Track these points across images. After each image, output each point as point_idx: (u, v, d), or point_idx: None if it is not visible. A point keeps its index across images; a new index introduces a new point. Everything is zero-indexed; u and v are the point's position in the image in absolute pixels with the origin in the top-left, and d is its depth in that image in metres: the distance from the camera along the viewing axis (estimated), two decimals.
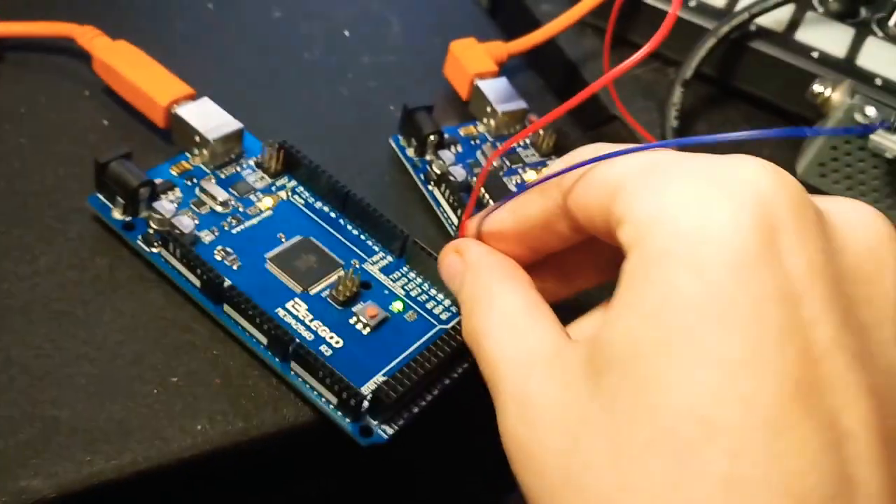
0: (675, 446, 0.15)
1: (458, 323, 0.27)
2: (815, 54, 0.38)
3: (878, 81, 0.38)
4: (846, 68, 0.38)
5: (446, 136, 0.35)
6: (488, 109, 0.37)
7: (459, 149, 0.36)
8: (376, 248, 0.31)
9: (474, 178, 0.34)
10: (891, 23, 0.40)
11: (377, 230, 0.31)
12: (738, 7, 0.39)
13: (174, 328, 0.28)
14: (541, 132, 0.36)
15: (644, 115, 0.35)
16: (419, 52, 0.41)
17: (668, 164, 0.19)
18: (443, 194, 0.33)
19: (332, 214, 0.32)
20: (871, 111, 0.33)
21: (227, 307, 0.27)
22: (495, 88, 0.37)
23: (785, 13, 0.39)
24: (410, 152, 0.35)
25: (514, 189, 0.34)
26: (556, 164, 0.23)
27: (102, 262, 0.29)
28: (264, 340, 0.26)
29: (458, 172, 0.34)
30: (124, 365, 0.26)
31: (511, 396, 0.20)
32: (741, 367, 0.15)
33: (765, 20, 0.39)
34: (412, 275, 0.30)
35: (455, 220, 0.33)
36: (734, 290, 0.15)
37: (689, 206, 0.17)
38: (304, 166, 0.32)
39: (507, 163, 0.36)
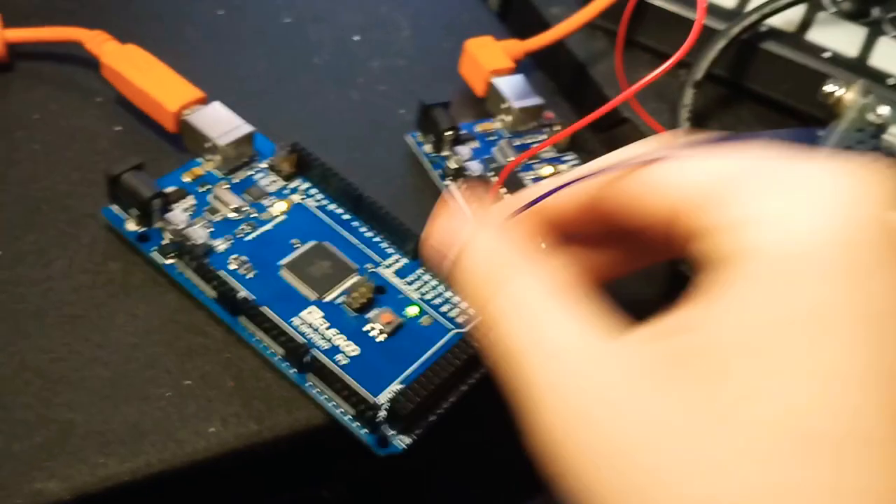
0: (778, 456, 0.14)
1: (475, 326, 0.27)
2: (826, 54, 0.38)
3: (891, 80, 0.37)
4: (858, 68, 0.38)
5: (462, 132, 0.36)
6: (504, 106, 0.37)
7: (476, 145, 0.36)
8: (391, 251, 0.31)
9: (491, 174, 0.34)
10: None
11: (391, 232, 0.31)
12: (749, 7, 0.39)
13: (188, 331, 0.28)
14: (557, 129, 0.37)
15: (656, 117, 0.35)
16: (430, 55, 0.41)
17: (760, 172, 0.18)
18: (459, 189, 0.33)
19: (346, 217, 0.31)
20: (884, 110, 0.33)
21: (242, 318, 0.27)
22: (511, 85, 0.37)
23: (796, 13, 0.39)
24: (427, 149, 0.35)
25: (529, 185, 0.35)
26: (605, 160, 0.22)
27: (116, 267, 0.29)
28: (280, 352, 0.26)
29: (475, 167, 0.34)
30: (138, 368, 0.26)
31: (551, 389, 0.17)
32: (850, 380, 0.15)
33: (776, 21, 0.38)
34: (427, 277, 0.30)
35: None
36: (844, 303, 0.15)
37: (795, 218, 0.16)
38: (317, 167, 0.32)
39: (525, 159, 0.36)
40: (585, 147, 0.37)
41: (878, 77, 0.37)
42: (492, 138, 0.36)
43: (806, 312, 0.15)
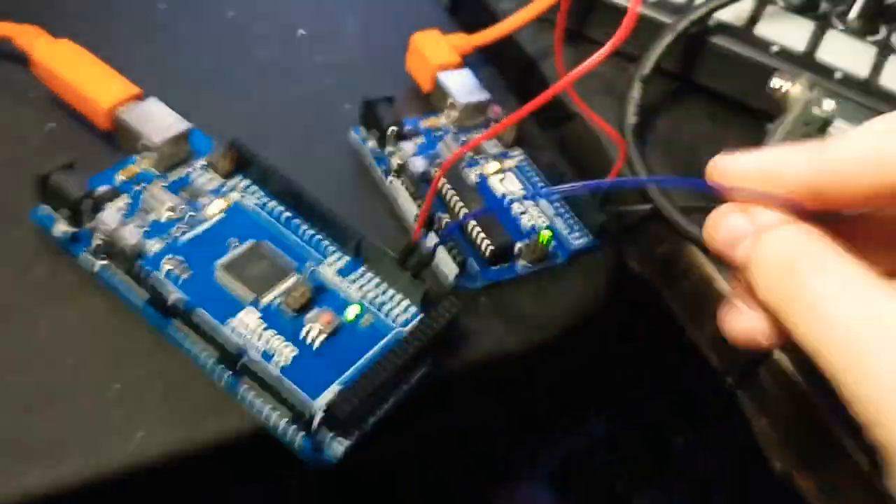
0: None
1: (417, 325, 0.27)
2: (775, 48, 0.38)
3: (839, 75, 0.37)
4: (806, 62, 0.38)
5: (407, 128, 0.35)
6: (449, 101, 0.36)
7: (421, 141, 0.35)
8: (332, 249, 0.30)
9: (435, 170, 0.33)
10: (850, 16, 0.40)
11: (333, 230, 0.30)
12: (698, 1, 0.38)
13: (117, 335, 0.27)
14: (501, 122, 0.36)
15: (604, 112, 0.35)
16: (376, 50, 0.40)
17: None
18: (402, 185, 0.33)
19: (286, 215, 0.31)
20: (829, 105, 0.33)
21: (174, 322, 0.26)
22: (457, 80, 0.37)
23: (745, 7, 0.39)
24: (371, 144, 0.35)
25: (474, 181, 0.34)
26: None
27: (44, 269, 0.28)
28: (213, 356, 0.25)
29: (419, 164, 0.33)
30: (63, 373, 0.25)
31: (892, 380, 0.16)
32: None
33: (724, 14, 0.38)
34: (369, 275, 0.29)
35: (415, 212, 0.32)
36: None
37: None
38: (257, 165, 0.31)
39: (470, 153, 0.35)
40: (532, 143, 0.36)
41: (825, 71, 0.37)
42: (437, 134, 0.36)
43: None
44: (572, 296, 0.32)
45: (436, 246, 0.29)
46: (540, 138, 0.38)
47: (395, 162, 0.33)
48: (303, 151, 0.34)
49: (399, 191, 0.33)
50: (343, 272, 0.29)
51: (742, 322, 0.21)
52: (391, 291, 0.29)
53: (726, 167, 0.21)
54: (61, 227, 0.28)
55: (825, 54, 0.38)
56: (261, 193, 0.31)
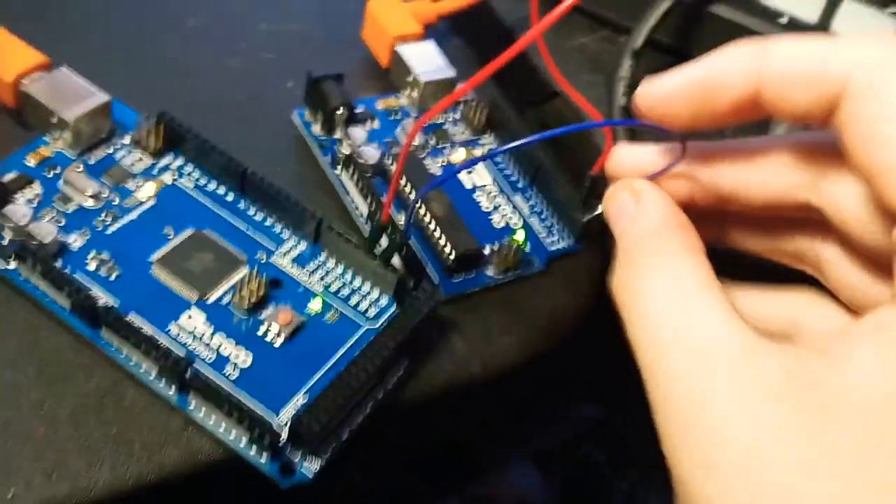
0: None
1: (390, 320, 0.23)
2: (783, 20, 0.34)
3: None
4: (819, 34, 0.34)
5: (360, 109, 0.30)
6: (409, 79, 0.31)
7: (376, 125, 0.31)
8: (285, 235, 0.26)
9: (391, 160, 0.29)
10: None
11: (285, 212, 0.26)
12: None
13: (38, 351, 0.22)
14: (473, 105, 0.31)
15: (591, 91, 0.31)
16: (329, 18, 0.36)
17: None
18: (351, 179, 0.28)
19: (229, 197, 0.27)
20: None
21: (105, 331, 0.22)
22: (419, 54, 0.32)
23: None
24: (316, 129, 0.30)
25: (438, 173, 0.30)
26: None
27: None
28: (154, 369, 0.21)
29: (371, 154, 0.28)
30: None
31: (685, 394, 0.16)
32: None
33: None
34: (331, 264, 0.26)
35: (365, 211, 0.27)
36: None
37: None
38: (191, 140, 0.27)
39: (433, 141, 0.31)
40: (506, 126, 0.32)
41: None
42: (395, 117, 0.31)
43: None
44: (550, 306, 0.28)
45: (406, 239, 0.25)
46: (515, 122, 0.33)
47: (343, 151, 0.29)
48: (238, 133, 0.29)
49: (348, 185, 0.28)
50: (301, 261, 0.25)
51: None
52: (358, 281, 0.25)
53: (650, 92, 0.18)
54: None
55: (841, 26, 0.34)
56: (198, 174, 0.27)
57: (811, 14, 0.34)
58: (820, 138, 0.18)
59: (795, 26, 0.34)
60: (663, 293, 0.17)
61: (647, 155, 0.20)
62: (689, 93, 0.18)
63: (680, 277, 0.17)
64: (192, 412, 0.21)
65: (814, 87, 0.16)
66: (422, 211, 0.27)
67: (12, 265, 0.23)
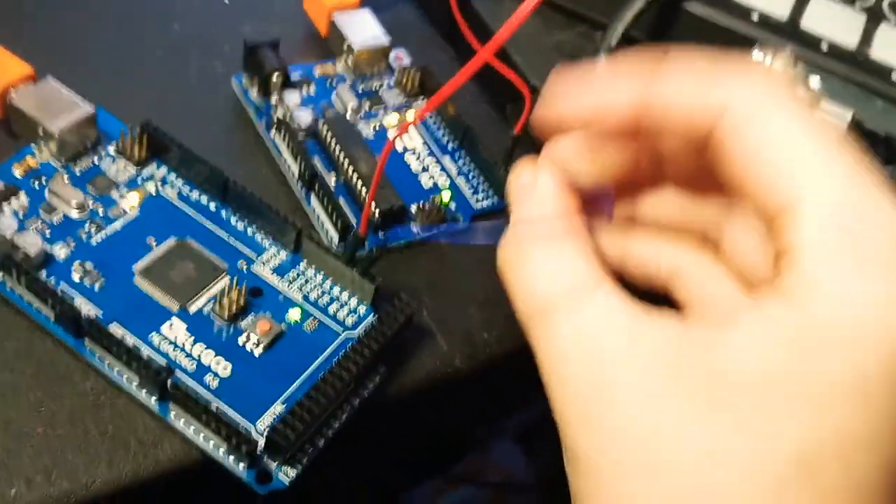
0: (776, 477, 0.15)
1: (369, 327, 0.24)
2: (755, 16, 0.35)
3: (824, 46, 0.34)
4: (790, 31, 0.34)
5: (296, 74, 0.32)
6: (346, 46, 0.33)
7: (312, 91, 0.32)
8: (266, 244, 0.27)
9: (322, 122, 0.30)
10: None
11: (266, 222, 0.27)
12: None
13: (23, 360, 0.23)
14: (406, 70, 0.33)
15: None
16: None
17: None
18: (284, 140, 0.29)
19: (212, 207, 0.27)
20: (814, 82, 0.30)
21: (88, 341, 0.23)
22: (354, 22, 0.33)
23: None
24: (253, 94, 0.31)
25: (370, 136, 0.31)
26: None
27: None
28: (135, 378, 0.22)
29: (304, 117, 0.30)
30: None
31: (578, 367, 0.17)
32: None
33: None
34: (311, 272, 0.26)
35: (296, 171, 0.29)
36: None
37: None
38: (175, 150, 0.27)
39: (367, 106, 0.32)
40: (437, 91, 0.33)
41: (810, 42, 0.34)
42: (331, 84, 0.32)
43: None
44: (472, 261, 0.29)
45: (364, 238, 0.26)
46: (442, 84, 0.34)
47: (276, 116, 0.30)
48: (223, 137, 0.31)
49: (281, 146, 0.30)
50: (280, 270, 0.26)
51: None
52: (337, 290, 0.26)
53: (544, 118, 0.19)
54: None
55: (810, 22, 0.35)
56: (181, 183, 0.27)
57: (782, 11, 0.35)
58: None
59: (766, 23, 0.35)
60: (548, 272, 0.18)
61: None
62: (579, 121, 0.19)
63: (564, 259, 0.18)
64: (172, 420, 0.22)
65: (694, 116, 0.17)
66: (351, 170, 0.29)
67: None
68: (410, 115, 0.32)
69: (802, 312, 0.15)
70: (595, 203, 0.20)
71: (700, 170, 0.18)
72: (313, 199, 0.28)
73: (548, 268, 0.18)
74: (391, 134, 0.31)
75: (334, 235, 0.27)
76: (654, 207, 0.21)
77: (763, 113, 0.16)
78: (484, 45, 0.21)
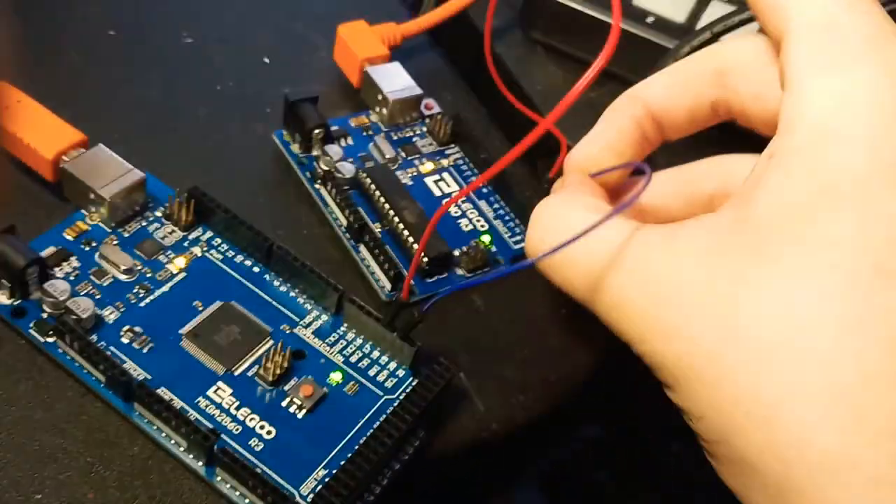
0: (856, 289, 0.15)
1: (410, 392, 0.24)
2: (650, 19, 0.35)
3: None
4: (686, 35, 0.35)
5: (335, 128, 0.33)
6: (379, 97, 0.34)
7: (350, 141, 0.33)
8: (308, 307, 0.27)
9: (364, 173, 0.31)
10: None
11: (308, 285, 0.27)
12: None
13: (75, 421, 0.24)
14: (438, 119, 0.34)
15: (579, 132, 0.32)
16: (308, 41, 0.38)
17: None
18: (329, 192, 0.31)
19: (255, 269, 0.28)
20: None
21: (137, 405, 0.23)
22: (387, 74, 0.34)
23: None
24: (295, 148, 0.32)
25: (408, 183, 0.32)
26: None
27: None
28: (184, 443, 0.23)
29: (347, 168, 0.31)
30: (21, 466, 0.22)
31: (648, 299, 0.17)
32: None
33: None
34: (351, 335, 0.27)
35: (343, 221, 0.30)
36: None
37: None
38: (220, 215, 0.28)
39: (403, 154, 0.33)
40: (469, 138, 0.34)
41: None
42: (367, 133, 0.34)
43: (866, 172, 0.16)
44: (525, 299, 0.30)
45: (410, 302, 0.26)
46: (476, 132, 0.35)
47: (321, 167, 0.31)
48: (265, 199, 0.32)
49: (326, 198, 0.31)
50: (322, 333, 0.27)
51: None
52: (376, 353, 0.26)
53: (577, 162, 0.22)
54: (4, 299, 0.25)
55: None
56: (226, 247, 0.28)
57: (678, 14, 0.35)
58: None
59: (663, 26, 0.35)
60: (565, 213, 0.20)
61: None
62: (607, 158, 0.22)
63: (584, 204, 0.20)
64: (218, 484, 0.22)
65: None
66: (396, 220, 0.30)
67: (51, 339, 0.24)
68: (444, 162, 0.34)
69: (804, 141, 0.17)
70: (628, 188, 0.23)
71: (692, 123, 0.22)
72: (363, 249, 0.29)
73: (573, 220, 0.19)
74: (429, 181, 0.33)
75: (386, 284, 0.28)
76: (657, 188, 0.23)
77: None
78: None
